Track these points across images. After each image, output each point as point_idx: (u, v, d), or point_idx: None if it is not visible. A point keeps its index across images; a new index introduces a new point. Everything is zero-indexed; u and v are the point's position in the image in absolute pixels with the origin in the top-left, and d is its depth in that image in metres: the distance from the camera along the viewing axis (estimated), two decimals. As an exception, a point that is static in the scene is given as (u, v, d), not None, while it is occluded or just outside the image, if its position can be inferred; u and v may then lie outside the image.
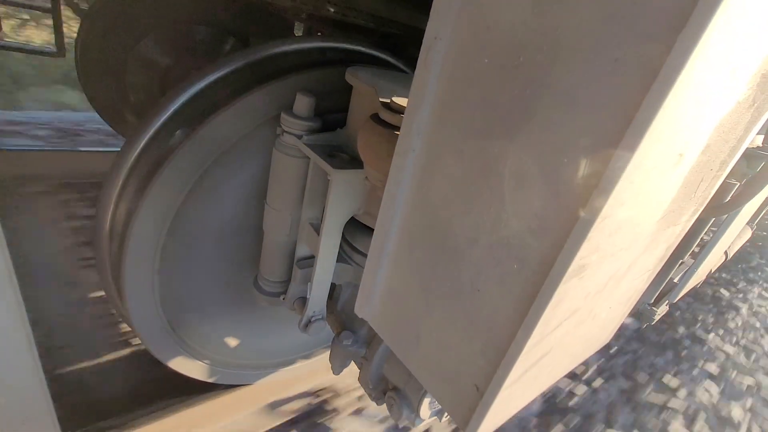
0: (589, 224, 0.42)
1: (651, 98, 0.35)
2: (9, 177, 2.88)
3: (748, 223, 3.15)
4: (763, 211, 3.03)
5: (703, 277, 2.85)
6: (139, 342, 1.99)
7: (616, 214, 0.44)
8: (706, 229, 2.16)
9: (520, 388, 0.69)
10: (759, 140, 1.83)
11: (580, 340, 0.79)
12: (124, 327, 2.13)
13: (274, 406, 1.97)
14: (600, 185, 0.40)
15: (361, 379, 1.34)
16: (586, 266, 0.49)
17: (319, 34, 2.37)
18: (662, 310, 2.60)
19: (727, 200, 1.83)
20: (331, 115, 1.25)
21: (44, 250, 2.45)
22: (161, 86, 2.78)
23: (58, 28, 2.53)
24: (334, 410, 2.09)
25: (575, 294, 0.54)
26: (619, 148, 0.38)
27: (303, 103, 1.17)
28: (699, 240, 2.25)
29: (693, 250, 2.34)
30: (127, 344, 2.07)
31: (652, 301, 2.54)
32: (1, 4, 2.70)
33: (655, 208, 0.55)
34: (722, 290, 4.93)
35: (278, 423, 1.92)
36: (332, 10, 1.73)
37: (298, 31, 2.97)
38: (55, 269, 2.34)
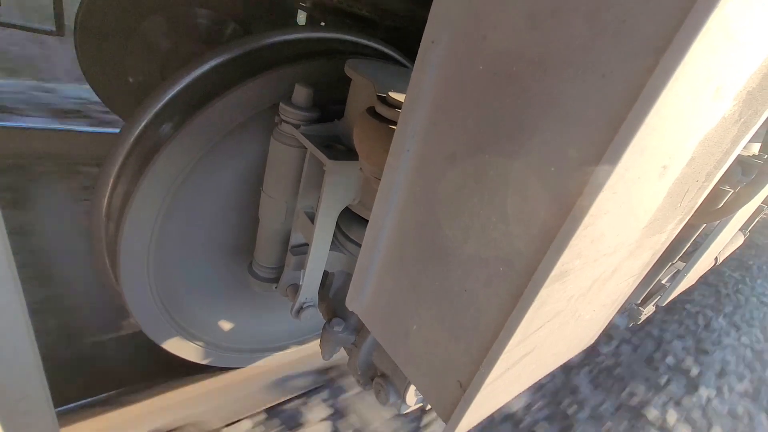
0: (571, 232, 0.44)
1: (634, 113, 0.37)
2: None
3: (740, 230, 3.19)
4: (756, 219, 3.07)
5: (693, 281, 2.89)
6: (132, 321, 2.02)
7: (598, 222, 0.46)
8: (696, 235, 2.20)
9: (503, 385, 0.71)
10: (755, 148, 1.85)
11: (563, 340, 0.81)
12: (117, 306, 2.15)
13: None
14: (583, 195, 0.42)
15: (350, 366, 1.37)
16: (569, 271, 0.51)
17: (321, 23, 2.34)
18: (648, 310, 2.65)
19: (719, 207, 1.85)
20: (329, 106, 1.26)
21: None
22: (161, 69, 2.75)
23: (57, 7, 2.49)
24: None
25: (558, 297, 0.56)
26: (602, 160, 0.40)
27: (301, 94, 1.17)
28: (689, 244, 2.28)
29: (684, 254, 2.37)
30: (121, 324, 2.09)
31: (639, 301, 2.59)
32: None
33: (640, 217, 0.56)
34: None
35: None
36: (336, -1, 1.71)
37: (301, 20, 2.93)
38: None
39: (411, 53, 1.67)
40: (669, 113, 0.38)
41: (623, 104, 0.37)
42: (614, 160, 0.39)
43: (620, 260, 0.66)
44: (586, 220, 0.43)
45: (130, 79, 2.79)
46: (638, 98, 0.36)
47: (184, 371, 1.82)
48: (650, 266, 0.90)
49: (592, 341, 1.10)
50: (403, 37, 2.06)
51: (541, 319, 0.58)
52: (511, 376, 0.71)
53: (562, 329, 0.73)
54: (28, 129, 3.07)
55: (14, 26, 2.68)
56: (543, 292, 0.50)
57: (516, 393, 0.89)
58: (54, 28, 2.56)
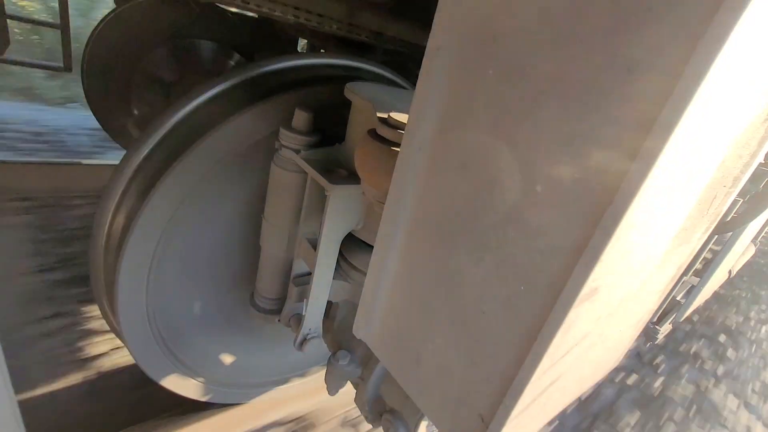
0: (602, 245, 0.39)
1: (668, 111, 0.33)
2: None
3: (752, 240, 3.11)
4: (767, 229, 3.00)
5: (709, 295, 2.79)
6: (127, 361, 1.95)
7: (630, 233, 0.41)
8: (708, 247, 2.13)
9: (528, 417, 0.64)
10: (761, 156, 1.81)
11: (589, 364, 0.75)
12: (111, 344, 2.07)
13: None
14: (614, 203, 0.38)
15: (357, 400, 1.29)
16: (599, 289, 0.46)
17: (321, 50, 2.39)
18: (665, 328, 2.55)
19: (732, 217, 1.80)
20: (329, 131, 1.25)
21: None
22: (165, 100, 2.80)
23: (66, 44, 2.57)
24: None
25: (587, 318, 0.51)
26: (634, 165, 0.36)
27: (301, 118, 1.16)
28: (702, 258, 2.22)
29: (695, 268, 2.30)
30: (112, 363, 2.01)
31: (655, 319, 2.49)
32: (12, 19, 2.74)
33: (670, 226, 0.52)
34: None
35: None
36: (335, 26, 1.75)
37: (302, 47, 3.01)
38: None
39: (410, 76, 1.68)
40: (704, 110, 0.35)
41: (654, 101, 0.34)
42: (648, 163, 0.35)
43: (648, 274, 0.62)
44: (618, 231, 0.39)
45: (135, 111, 2.84)
46: (672, 94, 0.33)
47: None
48: (675, 280, 0.85)
49: (617, 363, 1.03)
50: (402, 60, 2.08)
51: (569, 342, 0.53)
52: (537, 407, 0.64)
53: (588, 352, 0.67)
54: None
55: (24, 63, 2.76)
56: (572, 313, 0.45)
57: (540, 425, 0.82)
58: (62, 65, 2.64)
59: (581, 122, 0.40)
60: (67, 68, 2.68)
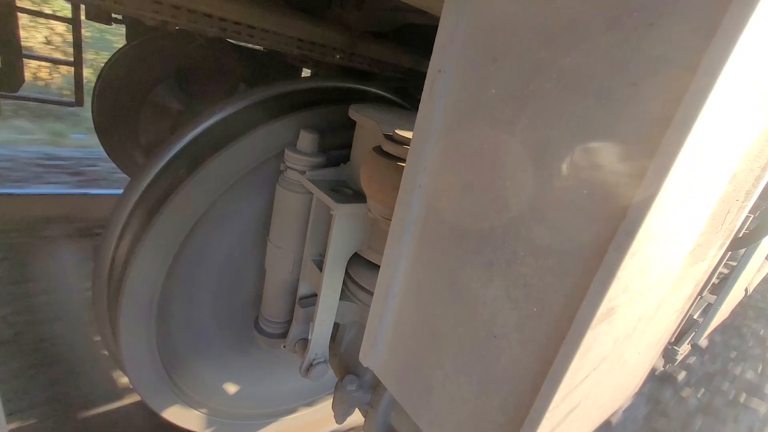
0: (618, 262, 0.38)
1: (677, 123, 0.33)
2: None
3: (766, 257, 3.04)
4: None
5: (727, 314, 2.70)
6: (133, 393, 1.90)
7: (645, 249, 0.40)
8: (722, 263, 2.08)
9: (547, 448, 0.61)
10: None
11: (608, 390, 0.71)
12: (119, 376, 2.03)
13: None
14: (627, 219, 0.36)
15: (366, 429, 1.24)
16: (616, 308, 0.44)
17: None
18: (684, 349, 2.46)
19: (744, 233, 1.76)
20: (334, 151, 1.26)
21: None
22: (172, 129, 2.87)
23: (78, 80, 2.67)
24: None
25: (604, 340, 0.49)
26: (646, 178, 0.35)
27: (306, 140, 1.18)
28: (716, 274, 2.16)
29: (712, 284, 2.24)
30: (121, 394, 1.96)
31: (673, 340, 2.40)
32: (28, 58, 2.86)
33: (685, 242, 0.50)
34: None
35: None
36: (337, 56, 1.79)
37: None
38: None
39: (411, 101, 1.71)
40: (713, 121, 0.34)
41: (661, 113, 0.33)
42: (660, 177, 0.34)
43: (665, 293, 0.59)
44: (634, 246, 0.37)
45: (143, 141, 2.90)
46: (680, 106, 0.32)
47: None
48: (693, 299, 0.82)
49: (637, 388, 0.98)
50: (403, 86, 2.13)
51: (587, 367, 0.50)
52: (555, 438, 0.61)
53: (607, 377, 0.64)
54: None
55: (37, 100, 2.87)
56: (589, 335, 0.43)
57: (560, 457, 0.77)
58: (74, 100, 2.73)
59: (587, 139, 0.39)
60: (79, 103, 2.78)
